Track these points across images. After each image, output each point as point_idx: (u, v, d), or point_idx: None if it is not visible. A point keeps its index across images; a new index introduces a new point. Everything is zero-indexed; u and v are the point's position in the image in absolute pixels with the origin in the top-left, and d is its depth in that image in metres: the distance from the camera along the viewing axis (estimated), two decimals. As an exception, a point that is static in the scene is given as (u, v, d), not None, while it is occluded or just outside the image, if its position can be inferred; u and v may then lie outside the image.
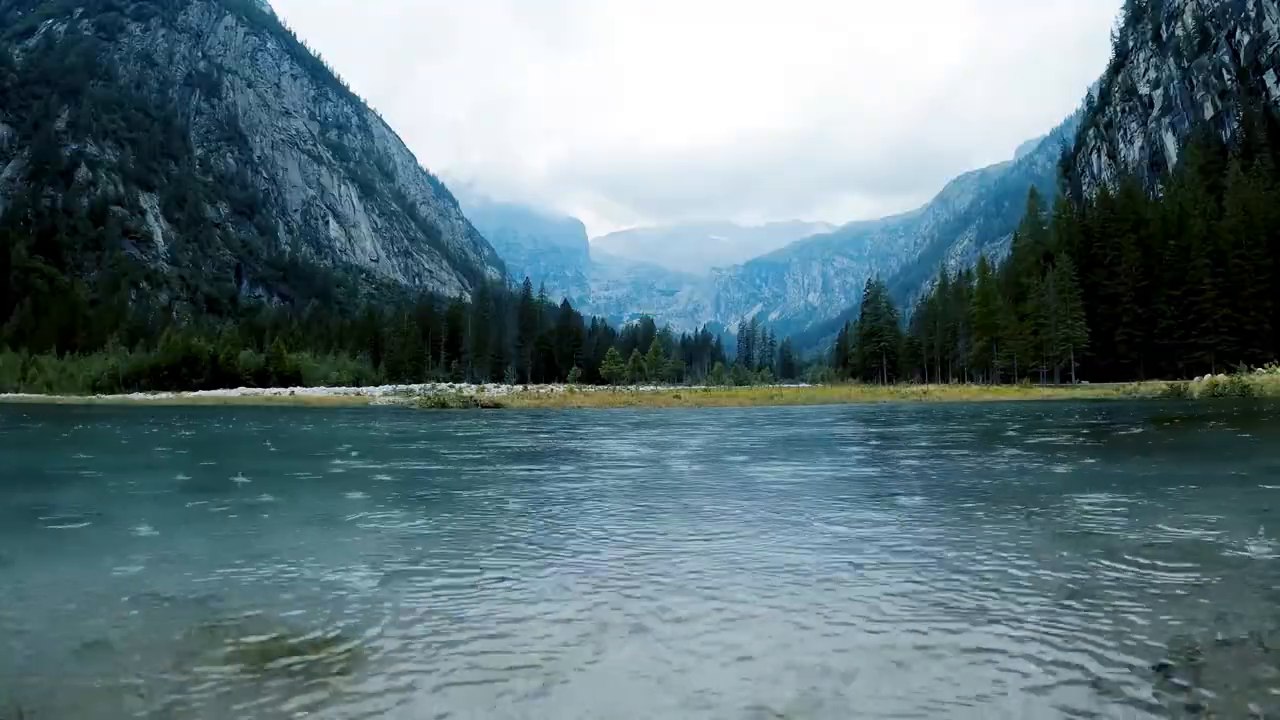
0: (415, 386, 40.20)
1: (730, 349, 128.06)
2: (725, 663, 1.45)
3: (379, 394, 33.20)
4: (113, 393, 46.65)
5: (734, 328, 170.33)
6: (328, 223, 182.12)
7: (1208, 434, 8.69)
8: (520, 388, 39.53)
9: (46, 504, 4.01)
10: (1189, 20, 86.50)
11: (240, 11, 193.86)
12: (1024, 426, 10.45)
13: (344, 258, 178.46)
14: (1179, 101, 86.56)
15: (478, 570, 2.29)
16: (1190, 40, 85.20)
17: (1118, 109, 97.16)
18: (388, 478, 5.48)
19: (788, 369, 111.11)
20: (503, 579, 2.18)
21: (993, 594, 1.93)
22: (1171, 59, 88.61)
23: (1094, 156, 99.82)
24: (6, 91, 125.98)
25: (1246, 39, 78.44)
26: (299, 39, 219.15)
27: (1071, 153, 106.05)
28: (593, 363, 78.78)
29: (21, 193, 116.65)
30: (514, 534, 2.91)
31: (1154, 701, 1.25)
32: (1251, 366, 27.44)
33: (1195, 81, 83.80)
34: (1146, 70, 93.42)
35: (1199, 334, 49.63)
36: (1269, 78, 74.33)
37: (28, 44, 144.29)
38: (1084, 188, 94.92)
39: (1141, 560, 2.30)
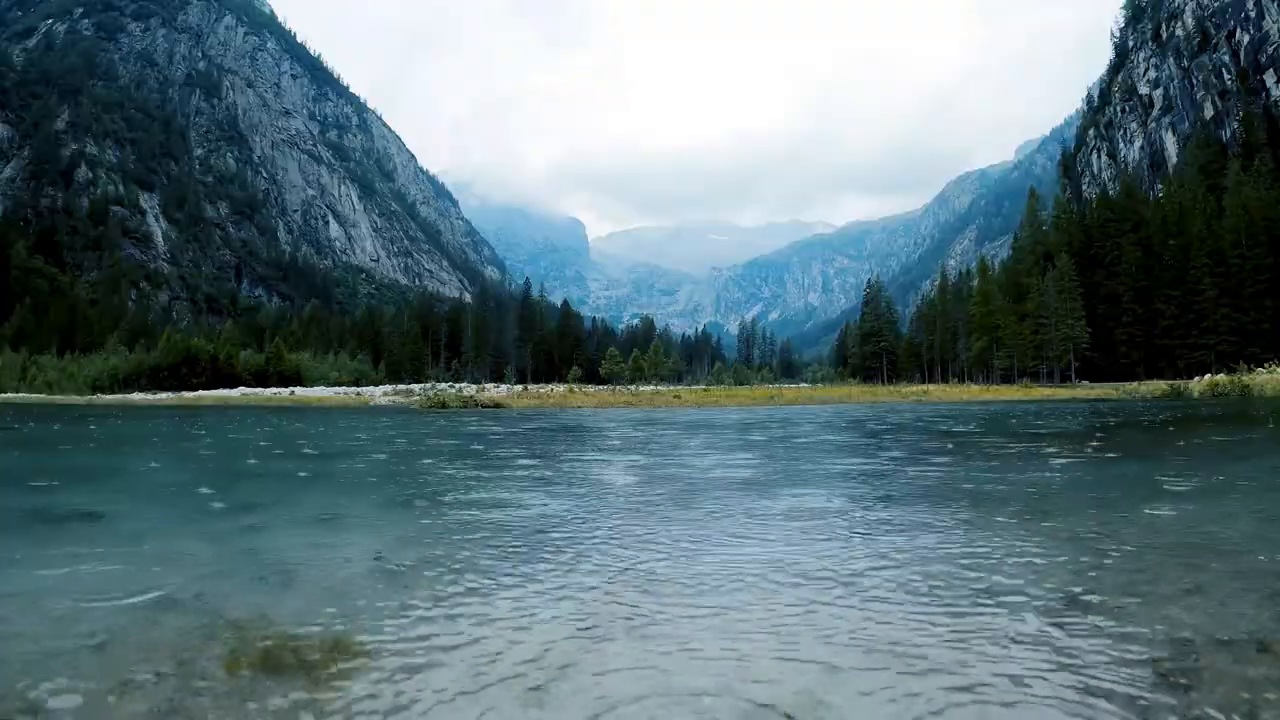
0: (415, 386, 40.18)
1: (730, 349, 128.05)
2: (725, 663, 1.45)
3: (379, 394, 33.18)
4: (113, 393, 46.64)
5: (734, 328, 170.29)
6: (328, 223, 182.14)
7: (1207, 434, 8.68)
8: (520, 388, 39.51)
9: (46, 504, 4.01)
10: (1189, 20, 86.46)
11: (240, 11, 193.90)
12: (1024, 426, 10.44)
13: (344, 258, 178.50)
14: (1179, 101, 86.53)
15: (477, 571, 2.29)
16: (1190, 40, 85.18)
17: (1118, 109, 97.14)
18: (388, 478, 5.48)
19: (788, 369, 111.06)
20: (502, 579, 2.18)
21: (991, 594, 1.93)
22: (1171, 59, 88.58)
23: (1094, 156, 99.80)
24: (6, 91, 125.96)
25: (1246, 39, 78.42)
26: (299, 39, 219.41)
27: (1071, 153, 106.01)
28: (593, 363, 78.80)
29: (21, 193, 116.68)
30: (513, 534, 2.91)
31: (1152, 702, 1.24)
32: (1251, 366, 27.47)
33: (1195, 81, 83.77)
34: (1146, 70, 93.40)
35: (1199, 334, 49.65)
36: (1269, 78, 74.30)
37: (28, 44, 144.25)
38: (1084, 188, 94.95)
39: (1140, 560, 2.30)
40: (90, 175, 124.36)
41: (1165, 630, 1.60)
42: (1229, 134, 74.89)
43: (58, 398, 41.77)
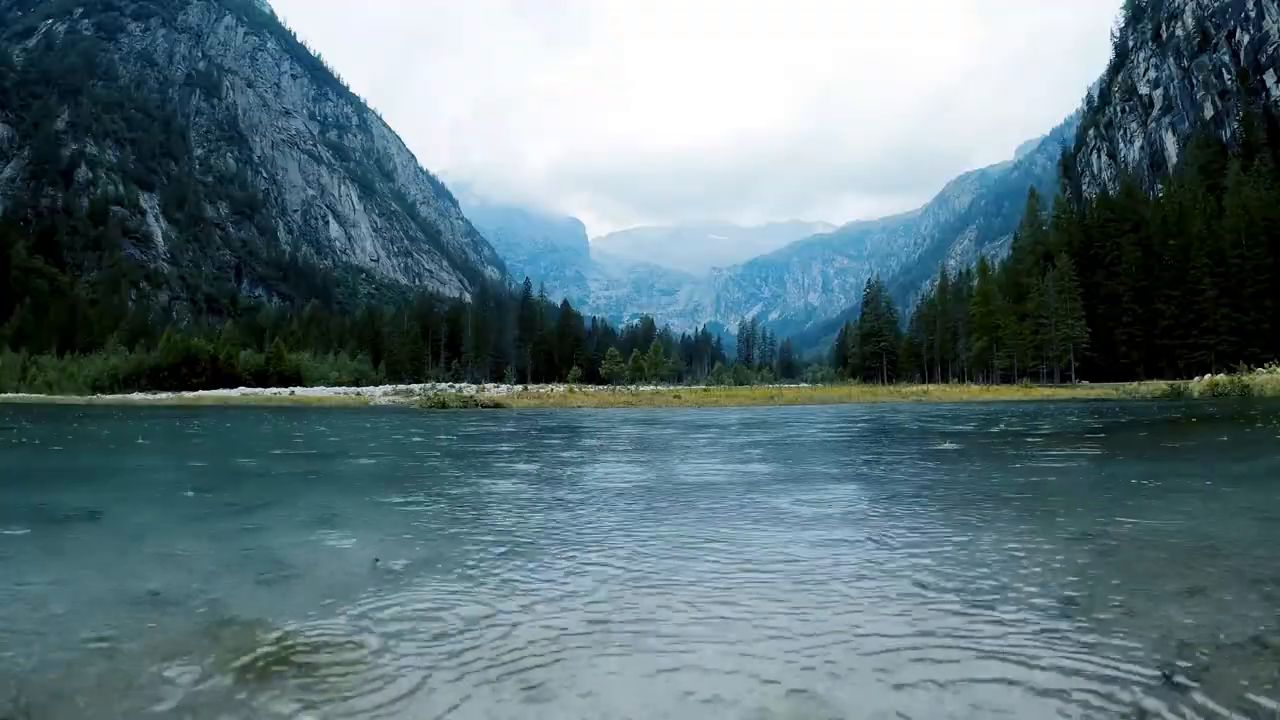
0: (415, 386, 40.18)
1: (730, 349, 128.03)
2: (726, 663, 1.45)
3: (379, 394, 33.17)
4: (113, 393, 46.62)
5: (734, 328, 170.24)
6: (328, 223, 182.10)
7: (1207, 434, 8.68)
8: (520, 388, 39.51)
9: (47, 504, 4.01)
10: (1189, 20, 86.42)
11: (240, 11, 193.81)
12: (1023, 426, 10.44)
13: (344, 258, 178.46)
14: (1179, 101, 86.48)
15: (478, 570, 2.29)
16: (1190, 40, 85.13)
17: (1118, 109, 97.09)
18: (387, 478, 5.48)
19: (788, 369, 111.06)
20: (503, 579, 2.18)
21: (992, 594, 1.93)
22: (1171, 59, 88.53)
23: (1094, 156, 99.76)
24: (6, 91, 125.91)
25: (1246, 39, 78.38)
26: (299, 39, 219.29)
27: (1071, 153, 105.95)
28: (593, 362, 78.79)
29: (21, 193, 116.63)
30: (514, 534, 2.91)
31: (1153, 703, 1.24)
32: (1251, 366, 27.45)
33: (1195, 81, 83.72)
34: (1146, 70, 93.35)
35: (1199, 334, 49.65)
36: (1269, 78, 74.26)
37: (28, 44, 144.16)
38: (1084, 188, 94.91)
39: (1139, 560, 2.30)
40: (90, 175, 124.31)
41: (1165, 631, 1.60)
42: (1229, 134, 74.85)
43: (58, 398, 41.76)
